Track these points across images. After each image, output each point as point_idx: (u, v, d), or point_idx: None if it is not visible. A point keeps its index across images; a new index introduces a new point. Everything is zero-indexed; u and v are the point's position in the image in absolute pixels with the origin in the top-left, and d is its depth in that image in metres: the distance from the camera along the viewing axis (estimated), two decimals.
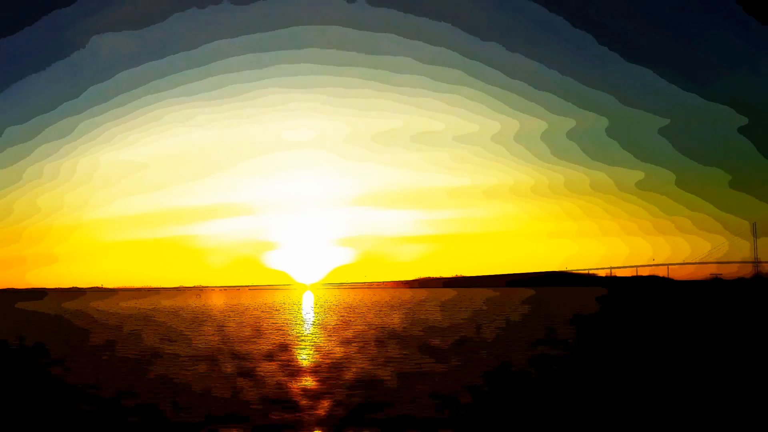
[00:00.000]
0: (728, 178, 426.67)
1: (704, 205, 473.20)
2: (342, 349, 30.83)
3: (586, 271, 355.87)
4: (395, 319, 55.17)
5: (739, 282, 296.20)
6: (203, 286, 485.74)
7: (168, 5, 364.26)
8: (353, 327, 46.60)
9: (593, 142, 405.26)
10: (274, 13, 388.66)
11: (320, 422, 15.44)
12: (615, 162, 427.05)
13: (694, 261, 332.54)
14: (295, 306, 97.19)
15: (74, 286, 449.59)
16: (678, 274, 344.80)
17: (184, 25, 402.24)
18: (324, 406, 17.15)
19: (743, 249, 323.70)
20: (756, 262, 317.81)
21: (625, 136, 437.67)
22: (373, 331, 41.67)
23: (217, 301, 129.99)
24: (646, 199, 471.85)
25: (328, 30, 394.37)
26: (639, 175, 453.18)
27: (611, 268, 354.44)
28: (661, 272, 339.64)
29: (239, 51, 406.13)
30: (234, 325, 50.51)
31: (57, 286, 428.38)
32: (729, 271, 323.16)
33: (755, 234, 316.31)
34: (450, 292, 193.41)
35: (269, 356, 28.50)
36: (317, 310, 78.08)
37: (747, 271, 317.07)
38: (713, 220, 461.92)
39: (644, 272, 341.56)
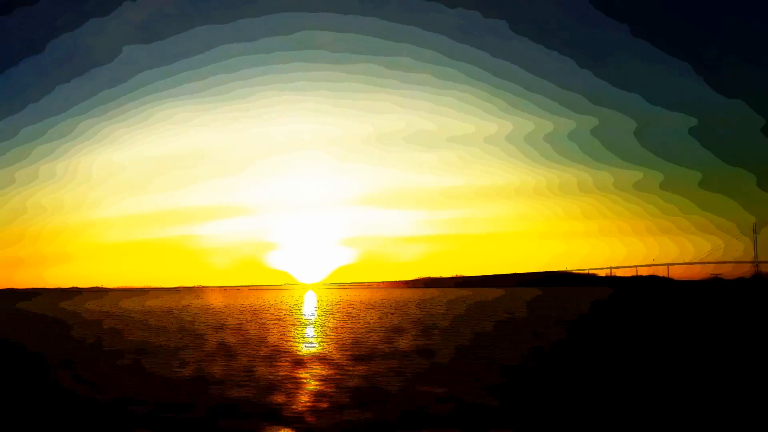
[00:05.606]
0: (755, 179, 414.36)
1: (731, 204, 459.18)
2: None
3: (587, 271, 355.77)
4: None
5: (738, 282, 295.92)
6: (204, 287, 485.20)
7: (169, 7, 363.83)
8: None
9: (618, 142, 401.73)
10: (273, 14, 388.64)
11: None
12: (641, 162, 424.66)
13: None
14: (296, 305, 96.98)
15: (74, 286, 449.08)
16: (677, 273, 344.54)
17: (185, 25, 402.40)
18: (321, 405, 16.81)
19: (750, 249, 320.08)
20: (756, 262, 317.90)
21: (650, 137, 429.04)
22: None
23: (216, 301, 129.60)
24: (668, 200, 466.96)
25: (328, 31, 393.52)
26: (659, 176, 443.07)
27: (611, 267, 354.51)
28: (661, 272, 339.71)
29: (239, 52, 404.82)
30: (226, 323, 50.32)
31: (56, 286, 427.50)
32: (729, 271, 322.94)
33: (756, 233, 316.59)
34: (463, 292, 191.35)
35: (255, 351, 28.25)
36: (319, 307, 77.92)
37: (745, 270, 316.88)
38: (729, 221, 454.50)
39: (644, 272, 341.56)
